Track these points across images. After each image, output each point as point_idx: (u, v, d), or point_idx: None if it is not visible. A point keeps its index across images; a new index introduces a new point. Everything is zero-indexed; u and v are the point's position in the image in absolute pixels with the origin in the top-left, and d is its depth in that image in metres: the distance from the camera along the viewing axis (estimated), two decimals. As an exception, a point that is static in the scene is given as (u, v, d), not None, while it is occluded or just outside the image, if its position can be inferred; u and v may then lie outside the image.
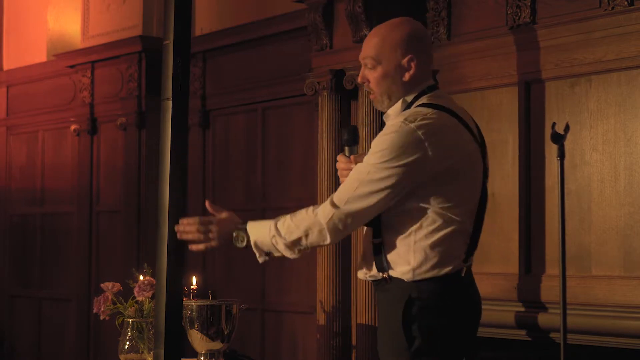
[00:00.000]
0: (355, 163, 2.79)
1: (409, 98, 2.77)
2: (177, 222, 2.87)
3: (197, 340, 3.38)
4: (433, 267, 2.64)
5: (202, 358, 3.41)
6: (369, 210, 2.65)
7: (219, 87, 5.96)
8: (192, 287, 3.52)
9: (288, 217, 2.72)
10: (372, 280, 2.77)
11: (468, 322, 2.73)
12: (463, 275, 2.69)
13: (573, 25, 3.92)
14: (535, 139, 4.06)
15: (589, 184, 3.87)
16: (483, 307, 2.79)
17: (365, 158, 2.69)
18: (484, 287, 2.95)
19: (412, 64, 2.77)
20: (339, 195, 2.68)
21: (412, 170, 2.60)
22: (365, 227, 2.77)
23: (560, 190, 3.46)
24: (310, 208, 2.71)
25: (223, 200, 5.94)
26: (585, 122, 3.90)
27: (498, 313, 3.97)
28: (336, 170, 3.07)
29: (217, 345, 3.39)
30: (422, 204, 2.64)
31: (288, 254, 2.77)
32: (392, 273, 2.68)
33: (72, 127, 6.66)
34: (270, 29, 5.57)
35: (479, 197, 2.73)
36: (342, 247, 4.50)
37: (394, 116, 2.76)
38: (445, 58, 4.40)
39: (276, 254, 2.77)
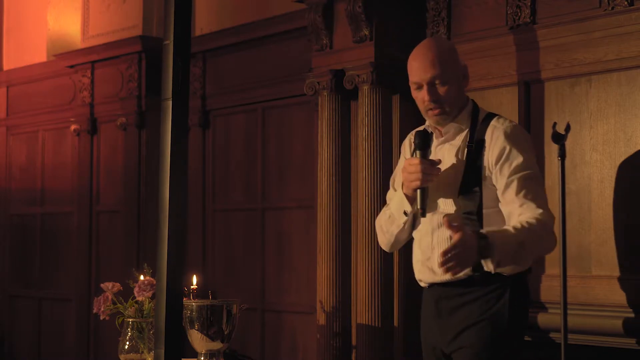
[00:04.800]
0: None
1: (470, 107, 3.03)
2: (177, 222, 2.87)
3: (197, 340, 3.38)
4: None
5: (202, 358, 3.41)
6: None
7: (219, 87, 5.96)
8: (192, 287, 3.52)
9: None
10: (459, 280, 2.88)
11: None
12: None
13: (573, 25, 3.92)
14: (535, 139, 4.06)
15: (589, 184, 3.87)
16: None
17: (517, 161, 2.91)
18: (484, 287, 2.97)
19: (465, 74, 3.04)
20: (536, 201, 2.88)
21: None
22: (444, 231, 2.88)
23: (560, 190, 3.46)
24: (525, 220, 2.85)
25: (223, 200, 5.94)
26: (585, 122, 3.90)
27: (498, 313, 3.96)
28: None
29: (217, 345, 3.39)
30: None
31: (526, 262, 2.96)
32: (491, 271, 2.82)
33: (72, 127, 6.67)
34: (270, 29, 5.57)
35: None
36: (342, 247, 4.50)
37: (465, 126, 3.00)
38: (445, 58, 4.40)
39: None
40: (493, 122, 2.98)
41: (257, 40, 5.69)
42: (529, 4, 4.08)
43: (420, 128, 3.12)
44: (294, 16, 5.26)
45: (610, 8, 3.80)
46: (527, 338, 3.95)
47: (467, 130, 3.00)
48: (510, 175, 2.88)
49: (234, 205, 5.88)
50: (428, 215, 2.96)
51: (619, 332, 3.71)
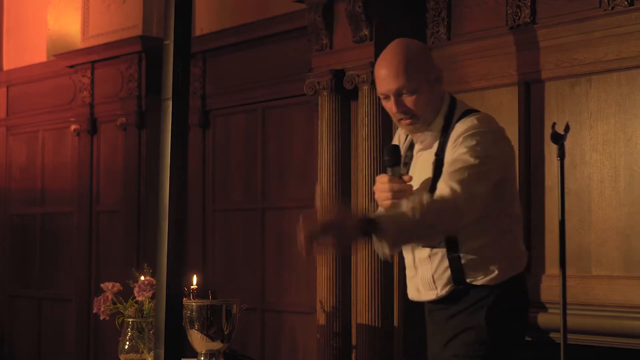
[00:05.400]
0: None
1: (445, 109, 2.81)
2: (177, 222, 2.87)
3: (197, 340, 3.38)
4: (514, 267, 2.77)
5: (202, 358, 3.41)
6: (484, 197, 2.66)
7: (219, 87, 5.96)
8: (192, 287, 3.52)
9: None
10: (447, 295, 2.76)
11: (528, 311, 2.92)
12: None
13: (573, 25, 3.92)
14: (535, 139, 4.07)
15: (589, 184, 3.87)
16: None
17: (462, 155, 2.65)
18: (484, 287, 2.95)
19: (438, 75, 2.82)
20: (457, 182, 2.61)
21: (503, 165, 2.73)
22: (422, 251, 2.77)
23: (560, 190, 3.46)
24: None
25: (223, 200, 5.94)
26: (585, 122, 3.90)
27: (498, 313, 3.97)
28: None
29: (217, 345, 3.39)
30: (497, 208, 2.71)
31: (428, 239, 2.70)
32: (473, 281, 2.70)
33: (72, 127, 6.66)
34: (270, 29, 5.57)
35: None
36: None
37: (437, 131, 2.78)
38: (445, 58, 4.40)
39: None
40: (457, 125, 2.74)
41: (257, 40, 5.69)
42: (529, 4, 4.08)
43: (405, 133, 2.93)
44: (294, 16, 5.26)
45: (610, 8, 3.80)
46: (527, 338, 3.96)
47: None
48: (450, 163, 2.67)
49: (234, 205, 5.88)
50: None
51: (619, 332, 3.71)
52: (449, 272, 2.73)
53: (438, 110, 2.79)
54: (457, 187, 2.56)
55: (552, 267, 3.94)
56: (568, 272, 3.60)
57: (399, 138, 2.96)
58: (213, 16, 5.99)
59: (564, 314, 3.46)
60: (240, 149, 5.87)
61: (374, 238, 2.50)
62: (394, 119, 2.84)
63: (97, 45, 6.41)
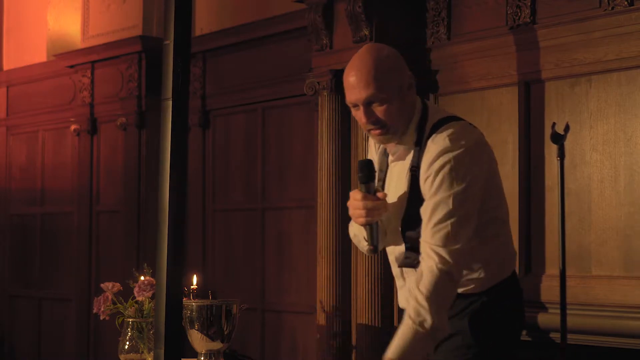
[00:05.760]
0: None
1: (416, 119, 2.66)
2: (177, 222, 2.86)
3: (197, 340, 3.38)
4: (500, 272, 2.67)
5: (202, 358, 3.41)
6: (471, 242, 2.54)
7: (219, 87, 5.96)
8: (192, 287, 3.52)
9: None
10: None
11: (523, 315, 2.82)
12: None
13: (573, 25, 3.92)
14: (535, 139, 4.07)
15: (589, 184, 3.87)
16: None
17: (440, 203, 2.51)
18: (484, 287, 2.95)
19: (411, 82, 2.66)
20: (441, 241, 2.50)
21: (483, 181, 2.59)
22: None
23: (560, 190, 3.46)
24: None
25: (223, 200, 5.94)
26: (585, 122, 3.90)
27: (498, 313, 3.97)
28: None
29: (217, 345, 3.39)
30: (481, 217, 2.60)
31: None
32: (460, 291, 2.63)
33: (72, 127, 6.67)
34: (270, 29, 5.57)
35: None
36: (342, 247, 4.50)
37: (408, 144, 2.66)
38: (445, 58, 4.40)
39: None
40: (429, 143, 2.58)
41: (257, 40, 5.69)
42: (529, 4, 4.08)
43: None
44: (294, 16, 5.26)
45: (610, 8, 3.80)
46: (527, 338, 3.96)
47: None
48: (430, 211, 2.53)
49: (234, 205, 5.88)
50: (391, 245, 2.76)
51: (619, 332, 3.71)
52: None
53: (410, 119, 2.65)
54: (442, 252, 2.47)
55: (552, 267, 3.94)
56: (568, 272, 3.60)
57: (375, 145, 2.86)
58: (213, 16, 5.99)
59: (564, 314, 3.47)
60: (240, 149, 5.87)
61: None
62: (364, 129, 2.72)
63: (97, 45, 6.41)
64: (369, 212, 2.61)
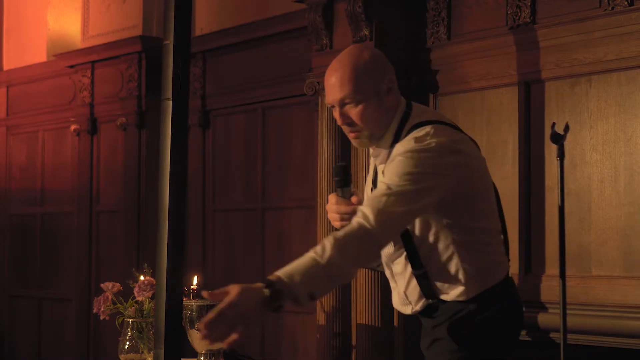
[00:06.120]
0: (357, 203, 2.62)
1: (396, 123, 2.63)
2: (177, 222, 2.86)
3: (197, 340, 3.38)
4: (485, 281, 2.61)
5: (202, 358, 3.41)
6: (406, 216, 2.47)
7: (219, 87, 5.96)
8: (192, 287, 3.52)
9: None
10: (422, 310, 2.69)
11: (519, 321, 2.75)
12: (509, 274, 2.69)
13: (573, 25, 3.92)
14: (535, 139, 4.07)
15: (589, 184, 3.87)
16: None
17: (390, 180, 2.48)
18: (484, 287, 2.94)
19: (391, 86, 2.64)
20: (370, 203, 2.44)
21: (445, 187, 2.50)
22: (396, 265, 2.70)
23: (560, 190, 3.46)
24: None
25: (223, 200, 5.94)
26: (585, 122, 3.90)
27: (498, 313, 3.96)
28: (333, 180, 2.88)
29: (217, 345, 3.38)
30: (457, 223, 2.57)
31: (344, 278, 2.46)
32: (444, 297, 2.62)
33: (72, 127, 6.66)
34: (270, 29, 5.57)
35: (495, 196, 2.70)
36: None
37: (386, 148, 2.63)
38: (445, 58, 4.40)
39: (324, 284, 2.39)
40: (397, 145, 2.57)
41: (257, 40, 5.69)
42: (529, 4, 4.08)
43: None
44: (294, 16, 5.26)
45: (610, 8, 3.80)
46: (526, 338, 3.96)
47: None
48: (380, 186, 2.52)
49: (234, 205, 5.88)
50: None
51: (619, 332, 3.71)
52: (418, 288, 2.66)
53: (388, 124, 2.62)
54: (368, 211, 2.40)
55: (552, 267, 3.94)
56: (568, 272, 3.60)
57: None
58: (213, 16, 5.99)
59: (564, 314, 3.46)
60: (240, 149, 5.87)
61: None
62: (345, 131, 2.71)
63: (97, 45, 6.41)
64: (342, 215, 2.62)
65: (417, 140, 2.51)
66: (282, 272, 2.34)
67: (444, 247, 2.59)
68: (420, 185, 2.47)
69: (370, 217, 2.39)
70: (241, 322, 2.37)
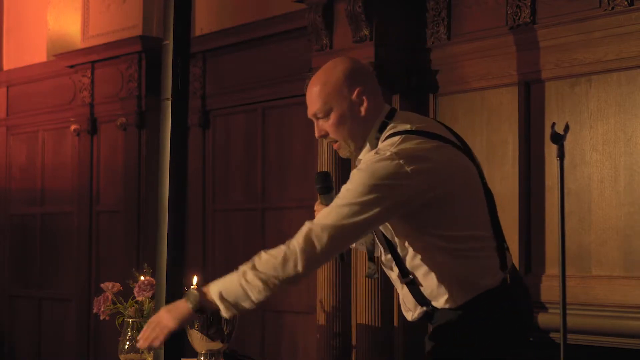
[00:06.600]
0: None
1: (374, 133, 2.63)
2: (177, 222, 2.86)
3: (197, 340, 3.38)
4: (472, 288, 2.58)
5: (202, 358, 3.41)
6: (352, 230, 2.48)
7: (219, 87, 5.96)
8: (192, 287, 3.51)
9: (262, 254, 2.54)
10: (420, 317, 2.69)
11: (518, 328, 2.72)
12: (508, 283, 2.63)
13: (573, 25, 3.92)
14: (535, 139, 4.07)
15: (589, 184, 3.87)
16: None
17: (341, 194, 2.51)
18: (484, 287, 2.94)
19: (364, 97, 2.63)
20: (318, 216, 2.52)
21: (397, 198, 2.48)
22: (391, 272, 2.70)
23: (560, 190, 3.46)
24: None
25: (223, 200, 5.94)
26: (585, 122, 3.90)
27: (498, 313, 3.97)
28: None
29: (217, 345, 3.39)
30: (434, 230, 2.54)
31: (262, 288, 2.54)
32: (435, 304, 2.62)
33: (72, 127, 6.66)
34: (270, 29, 5.57)
35: (486, 202, 2.64)
36: (342, 247, 4.50)
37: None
38: (445, 58, 4.40)
39: (244, 303, 2.55)
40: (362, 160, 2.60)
41: (257, 40, 5.69)
42: (529, 4, 4.08)
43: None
44: (294, 16, 5.26)
45: (610, 8, 3.80)
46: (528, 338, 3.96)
47: None
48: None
49: (234, 205, 5.88)
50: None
51: (619, 332, 3.71)
52: (410, 295, 2.67)
53: (366, 135, 2.64)
54: (308, 226, 2.47)
55: (552, 267, 3.94)
56: (568, 272, 3.60)
57: None
58: (213, 16, 5.99)
59: (564, 314, 3.46)
60: (240, 149, 5.87)
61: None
62: None
63: (97, 45, 6.41)
64: None
65: (378, 151, 2.52)
66: (208, 286, 2.59)
67: (427, 255, 2.57)
68: (366, 197, 2.46)
69: (305, 230, 2.47)
70: (162, 327, 2.56)
